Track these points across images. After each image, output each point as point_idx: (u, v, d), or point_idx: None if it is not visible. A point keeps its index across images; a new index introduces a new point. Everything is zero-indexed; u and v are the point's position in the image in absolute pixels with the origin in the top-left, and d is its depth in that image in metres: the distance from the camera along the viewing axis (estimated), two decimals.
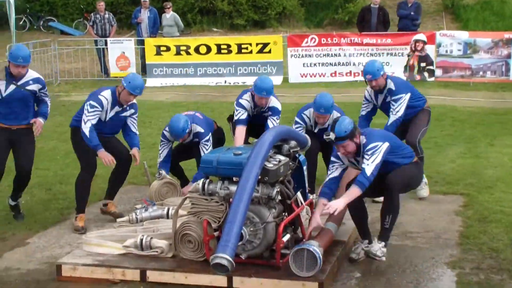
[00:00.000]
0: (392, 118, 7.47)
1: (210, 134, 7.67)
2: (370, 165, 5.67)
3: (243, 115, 7.82)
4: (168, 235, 5.98)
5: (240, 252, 5.52)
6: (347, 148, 5.79)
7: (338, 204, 5.64)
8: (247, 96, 7.88)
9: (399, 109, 7.44)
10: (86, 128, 6.79)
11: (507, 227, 6.72)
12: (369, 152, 5.73)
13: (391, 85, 7.49)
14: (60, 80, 17.51)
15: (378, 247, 5.84)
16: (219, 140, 8.03)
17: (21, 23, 26.44)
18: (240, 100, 7.87)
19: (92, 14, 18.83)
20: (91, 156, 6.99)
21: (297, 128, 7.62)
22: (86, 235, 6.32)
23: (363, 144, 5.80)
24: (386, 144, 5.77)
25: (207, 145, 7.59)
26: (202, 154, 7.42)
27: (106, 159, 6.87)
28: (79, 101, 7.79)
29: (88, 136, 6.80)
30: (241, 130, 7.80)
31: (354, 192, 5.70)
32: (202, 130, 7.61)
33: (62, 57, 18.72)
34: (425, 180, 7.58)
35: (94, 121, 6.81)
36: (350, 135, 5.73)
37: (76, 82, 17.60)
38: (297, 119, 7.76)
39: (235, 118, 7.88)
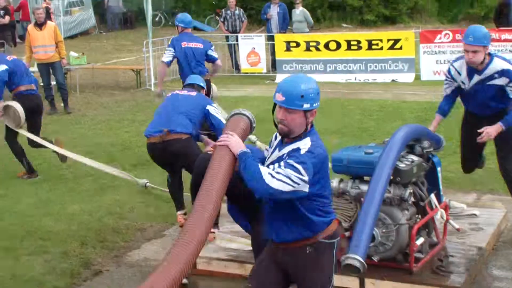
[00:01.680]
0: None
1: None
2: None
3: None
4: None
5: (372, 254, 5.46)
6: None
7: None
8: None
9: None
10: None
11: None
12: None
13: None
14: None
15: None
16: None
17: (156, 19, 27.60)
18: None
19: (223, 10, 19.21)
20: None
21: (445, 84, 6.71)
22: (220, 229, 6.47)
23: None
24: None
25: None
26: None
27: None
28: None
29: None
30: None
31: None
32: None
33: None
34: None
35: None
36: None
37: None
38: (445, 73, 6.77)
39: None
